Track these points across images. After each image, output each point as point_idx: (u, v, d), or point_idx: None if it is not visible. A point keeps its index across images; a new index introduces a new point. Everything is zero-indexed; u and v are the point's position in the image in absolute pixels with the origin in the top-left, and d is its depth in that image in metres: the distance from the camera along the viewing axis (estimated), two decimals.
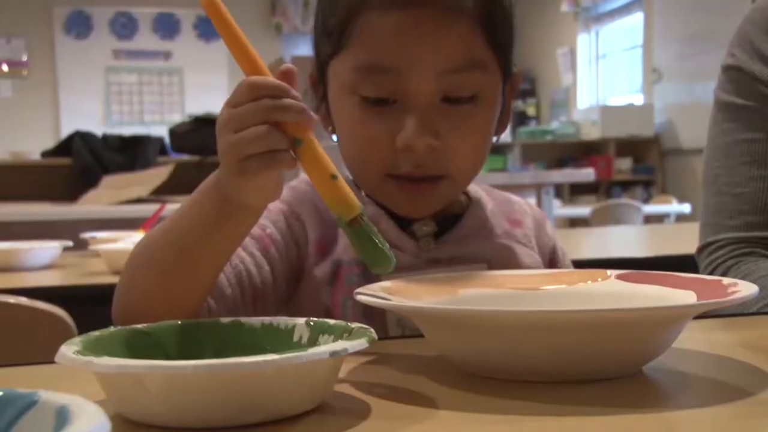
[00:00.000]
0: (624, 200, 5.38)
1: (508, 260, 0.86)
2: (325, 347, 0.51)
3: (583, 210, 4.82)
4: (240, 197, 0.64)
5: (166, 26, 8.02)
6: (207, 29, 8.08)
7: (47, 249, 1.74)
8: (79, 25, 7.79)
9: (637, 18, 7.19)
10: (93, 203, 2.90)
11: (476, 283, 0.73)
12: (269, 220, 0.83)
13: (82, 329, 1.20)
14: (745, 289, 0.57)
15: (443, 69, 0.78)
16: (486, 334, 0.57)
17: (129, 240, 1.72)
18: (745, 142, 1.02)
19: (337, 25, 0.81)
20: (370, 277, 0.80)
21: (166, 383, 0.49)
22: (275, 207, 0.85)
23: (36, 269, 1.69)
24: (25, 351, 1.27)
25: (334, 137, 0.88)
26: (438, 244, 0.85)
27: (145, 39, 7.97)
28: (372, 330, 0.55)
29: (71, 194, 3.17)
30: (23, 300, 1.26)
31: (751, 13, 1.07)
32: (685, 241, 2.27)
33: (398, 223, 0.85)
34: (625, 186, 6.81)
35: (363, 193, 0.87)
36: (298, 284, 0.84)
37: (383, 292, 0.67)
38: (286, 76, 0.63)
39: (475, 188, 0.92)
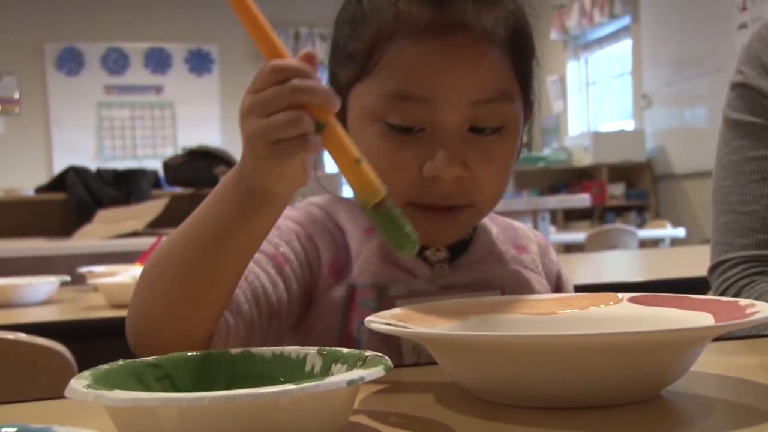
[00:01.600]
0: (619, 225, 5.40)
1: (520, 287, 0.86)
2: (342, 376, 0.50)
3: (578, 236, 4.82)
4: (268, 184, 0.63)
5: (158, 61, 8.06)
6: (198, 63, 8.12)
7: (45, 284, 1.73)
8: (71, 62, 7.82)
9: (625, 45, 7.25)
10: (88, 238, 2.89)
11: (488, 309, 0.72)
12: (282, 239, 0.82)
13: (82, 364, 1.19)
14: (763, 310, 0.57)
15: (475, 99, 0.78)
16: (500, 361, 0.56)
17: (127, 274, 1.71)
18: (755, 159, 1.02)
19: (363, 49, 0.80)
20: (385, 301, 0.80)
21: (181, 416, 0.48)
22: (287, 226, 0.83)
23: (34, 305, 1.68)
24: (24, 387, 1.25)
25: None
26: (452, 270, 0.85)
27: (137, 74, 8.00)
28: (387, 358, 0.54)
29: (66, 229, 3.16)
30: (22, 336, 1.25)
31: (760, 30, 1.07)
32: (685, 264, 2.27)
33: None
34: (619, 211, 6.82)
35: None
36: (309, 307, 0.83)
37: (394, 320, 0.66)
38: (308, 59, 0.61)
39: None
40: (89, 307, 1.65)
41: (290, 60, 0.61)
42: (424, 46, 0.77)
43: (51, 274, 1.85)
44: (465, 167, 0.78)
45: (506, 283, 0.85)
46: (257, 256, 0.79)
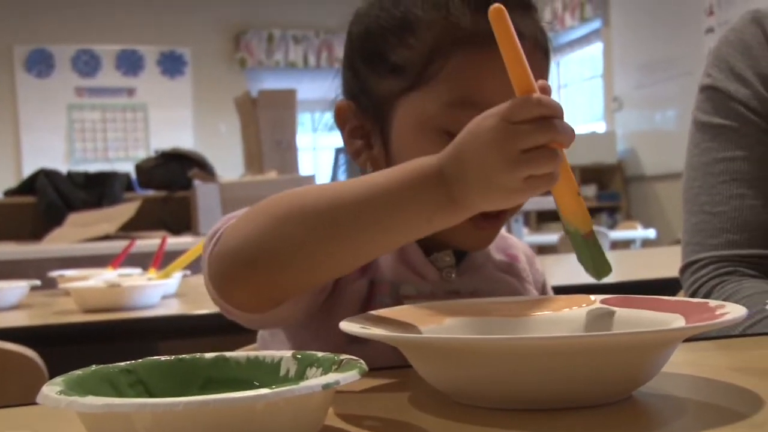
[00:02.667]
0: None
1: (515, 290, 0.88)
2: (317, 380, 0.50)
3: (550, 237, 4.85)
4: (483, 205, 0.64)
5: (130, 63, 8.01)
6: (170, 65, 8.08)
7: (15, 289, 1.71)
8: (41, 64, 7.74)
9: (596, 48, 7.31)
10: (59, 241, 2.86)
11: (462, 311, 0.72)
12: None
13: (53, 370, 1.18)
14: (733, 311, 0.57)
15: None
16: (474, 363, 0.56)
17: (99, 278, 1.69)
18: (724, 160, 1.04)
19: (417, 60, 0.80)
20: (396, 299, 0.82)
21: (156, 422, 0.47)
22: None
23: (3, 309, 1.66)
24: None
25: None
26: (458, 275, 0.86)
27: (108, 76, 7.94)
28: (362, 361, 0.54)
29: (36, 233, 3.13)
30: None
31: (727, 34, 1.09)
32: (656, 265, 2.29)
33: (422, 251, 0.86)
34: (591, 213, 6.86)
35: None
36: (332, 294, 0.83)
37: (368, 323, 0.66)
38: (547, 92, 0.63)
39: None
40: (60, 311, 1.63)
41: (550, 98, 0.63)
42: (487, 54, 0.76)
43: (21, 279, 1.83)
44: None
45: (505, 291, 0.88)
46: None
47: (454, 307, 0.73)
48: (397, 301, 0.82)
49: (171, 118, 7.99)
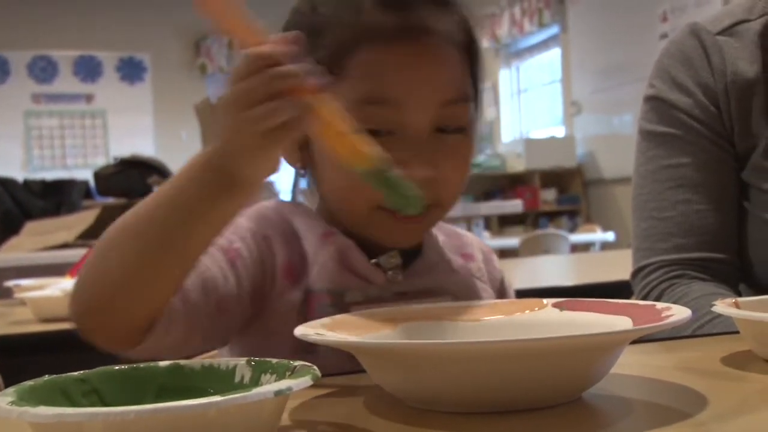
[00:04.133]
0: (551, 230, 5.49)
1: (469, 295, 0.88)
2: (269, 387, 0.50)
3: (512, 241, 4.89)
4: (248, 171, 0.64)
5: (88, 69, 7.92)
6: (130, 71, 8.01)
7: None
8: None
9: (554, 53, 7.39)
10: (15, 250, 2.82)
11: (415, 316, 0.73)
12: (237, 236, 0.82)
13: (9, 380, 1.16)
14: (678, 313, 0.59)
15: (441, 101, 0.80)
16: (427, 367, 0.57)
17: (56, 287, 1.67)
18: (669, 167, 1.06)
19: (326, 58, 0.80)
20: (341, 307, 0.81)
21: (107, 430, 0.48)
22: (242, 225, 0.84)
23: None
24: None
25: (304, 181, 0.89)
26: (405, 277, 0.86)
27: (66, 82, 7.85)
28: (315, 367, 0.55)
29: None
30: None
31: (669, 46, 1.12)
32: (613, 268, 2.33)
33: (366, 254, 0.85)
34: (551, 216, 6.94)
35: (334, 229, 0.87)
36: (263, 307, 0.83)
37: (323, 329, 0.66)
38: (286, 42, 0.62)
39: None
40: (16, 321, 1.61)
41: (265, 47, 0.62)
42: (392, 51, 0.79)
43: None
44: (434, 167, 0.80)
45: (457, 290, 0.87)
46: (210, 248, 0.77)
47: (406, 313, 0.74)
48: (343, 309, 0.81)
49: (131, 125, 7.92)
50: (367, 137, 0.63)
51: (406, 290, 0.86)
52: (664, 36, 5.74)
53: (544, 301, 0.73)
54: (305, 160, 0.87)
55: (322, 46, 0.82)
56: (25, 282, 1.92)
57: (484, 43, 7.87)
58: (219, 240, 0.79)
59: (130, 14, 7.85)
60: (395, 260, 0.86)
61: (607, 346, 0.57)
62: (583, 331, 0.62)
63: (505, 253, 5.12)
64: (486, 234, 4.39)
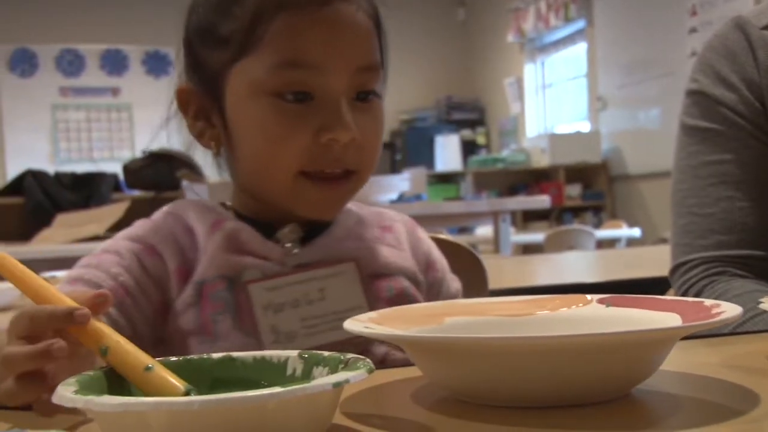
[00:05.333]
0: (577, 226, 5.47)
1: (375, 259, 0.90)
2: (327, 379, 0.51)
3: (536, 236, 4.87)
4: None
5: (114, 62, 7.97)
6: (155, 65, 8.05)
7: (6, 290, 1.71)
8: (24, 63, 7.70)
9: (580, 48, 7.35)
10: (47, 242, 2.85)
11: (460, 311, 0.73)
12: (122, 267, 0.84)
13: None
14: (729, 310, 0.59)
15: (359, 65, 0.84)
16: (478, 362, 0.57)
17: None
18: (711, 163, 1.06)
19: (242, 28, 0.83)
20: (236, 290, 0.83)
21: (171, 421, 0.49)
22: (126, 248, 0.86)
23: None
24: None
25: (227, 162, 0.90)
26: (304, 249, 0.88)
27: (93, 75, 7.90)
28: (369, 360, 0.55)
29: (23, 234, 3.12)
30: None
31: (712, 40, 1.11)
32: (643, 264, 2.32)
33: (263, 233, 0.87)
34: (576, 212, 6.91)
35: (227, 209, 0.89)
36: (167, 322, 0.85)
37: (371, 323, 0.67)
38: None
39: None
40: None
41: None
42: (310, 16, 0.82)
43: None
44: (356, 130, 0.83)
45: (360, 255, 0.89)
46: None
47: (451, 308, 0.74)
48: (238, 290, 0.83)
49: (156, 118, 7.92)
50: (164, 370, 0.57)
51: (306, 262, 0.87)
52: (693, 30, 5.69)
53: (588, 297, 0.73)
54: (219, 140, 0.89)
55: (235, 18, 0.84)
56: (60, 274, 1.94)
57: (509, 37, 7.88)
58: (105, 280, 0.82)
59: (156, 8, 7.88)
60: (294, 234, 0.88)
61: (658, 341, 0.57)
62: (633, 327, 0.62)
63: (529, 249, 5.11)
64: (512, 230, 4.38)
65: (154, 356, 0.58)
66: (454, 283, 1.00)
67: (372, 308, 0.83)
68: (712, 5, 5.55)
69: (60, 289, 0.67)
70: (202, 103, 0.89)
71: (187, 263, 0.86)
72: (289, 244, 0.88)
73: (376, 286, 0.89)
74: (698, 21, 5.67)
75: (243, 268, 0.85)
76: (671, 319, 0.62)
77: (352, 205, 0.95)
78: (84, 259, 0.87)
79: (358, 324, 0.65)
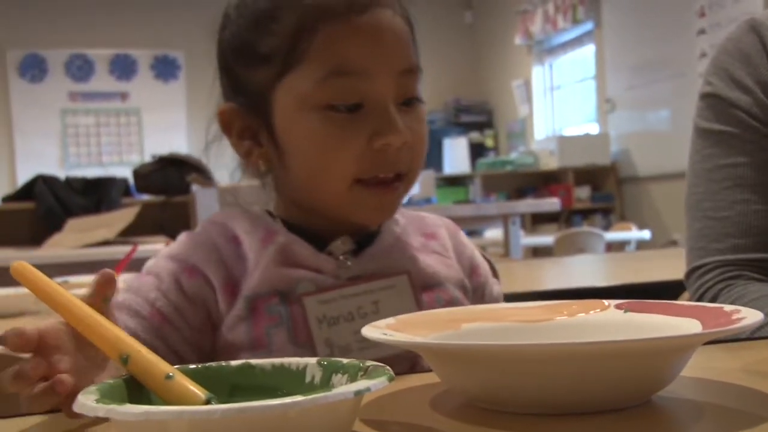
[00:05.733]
0: (586, 228, 5.46)
1: (426, 269, 0.90)
2: (348, 387, 0.51)
3: (546, 239, 4.87)
4: None
5: (123, 67, 7.99)
6: (164, 69, 8.07)
7: (20, 297, 1.71)
8: (34, 68, 7.73)
9: (588, 50, 7.34)
10: (58, 247, 2.86)
11: (477, 317, 0.73)
12: (159, 291, 0.84)
13: None
14: (750, 315, 0.59)
15: (402, 69, 0.84)
16: (497, 368, 0.57)
17: None
18: (726, 167, 1.05)
19: (283, 45, 0.83)
20: (290, 304, 0.83)
21: (193, 429, 0.49)
22: (165, 270, 0.86)
23: (10, 316, 1.66)
24: (10, 403, 1.24)
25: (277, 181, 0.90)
26: (356, 261, 0.88)
27: (102, 80, 7.93)
28: (389, 368, 0.55)
29: (35, 239, 3.13)
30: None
31: (725, 43, 1.11)
32: (654, 268, 2.31)
33: (314, 245, 0.87)
34: (585, 214, 6.90)
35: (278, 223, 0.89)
36: (218, 335, 0.85)
37: (389, 329, 0.67)
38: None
39: None
40: None
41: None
42: (350, 24, 0.82)
43: (19, 286, 1.82)
44: (408, 133, 0.83)
45: (412, 267, 0.89)
46: (133, 323, 0.81)
47: (467, 314, 0.74)
48: (292, 303, 0.83)
49: (165, 122, 7.98)
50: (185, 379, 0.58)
51: (359, 274, 0.87)
52: (701, 32, 5.68)
53: (606, 302, 0.73)
54: (267, 158, 0.89)
55: (275, 34, 0.84)
56: (73, 279, 1.94)
57: (517, 40, 7.88)
58: (142, 305, 0.83)
59: (164, 13, 7.91)
60: (346, 246, 0.88)
61: (680, 348, 0.57)
62: (652, 333, 0.62)
63: (538, 252, 5.11)
64: (521, 232, 4.38)
65: None
66: (496, 286, 1.00)
67: None
68: (720, 6, 5.54)
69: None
70: (247, 123, 0.89)
71: (233, 278, 0.85)
72: (342, 257, 0.87)
73: (427, 296, 0.89)
74: (707, 22, 5.66)
75: (297, 282, 0.85)
76: (691, 325, 0.62)
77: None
78: (130, 280, 0.88)
79: (376, 330, 0.65)
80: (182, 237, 0.90)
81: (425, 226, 0.96)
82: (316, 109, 0.82)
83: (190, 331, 0.84)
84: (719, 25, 5.47)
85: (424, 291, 0.89)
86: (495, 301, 0.98)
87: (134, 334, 0.77)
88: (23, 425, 0.63)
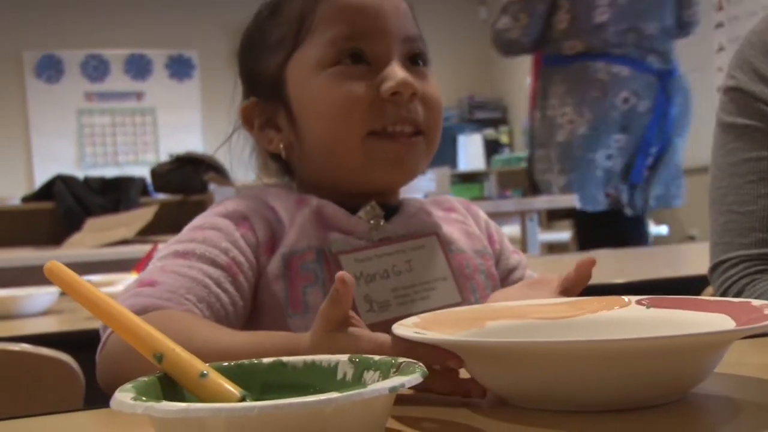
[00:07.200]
0: None
1: (451, 235, 0.93)
2: (383, 383, 0.51)
3: (562, 235, 4.85)
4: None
5: (138, 67, 8.02)
6: (179, 69, 8.10)
7: (46, 295, 1.73)
8: (50, 69, 7.76)
9: None
10: (78, 247, 2.88)
11: (501, 315, 0.73)
12: (228, 241, 0.86)
13: (88, 374, 1.19)
14: None
15: (406, 34, 0.88)
16: (529, 366, 0.57)
17: (126, 282, 1.71)
18: (750, 160, 1.05)
19: (293, 24, 0.88)
20: (326, 260, 0.85)
21: (230, 426, 0.49)
22: (224, 224, 0.87)
23: (34, 315, 1.67)
24: (30, 400, 1.25)
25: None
26: (387, 224, 0.90)
27: (117, 80, 7.96)
28: (422, 364, 0.55)
29: (54, 239, 3.15)
30: (27, 347, 1.24)
31: (749, 36, 1.10)
32: (675, 263, 2.30)
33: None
34: None
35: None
36: (257, 291, 0.87)
37: (415, 327, 0.67)
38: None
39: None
40: (91, 316, 1.64)
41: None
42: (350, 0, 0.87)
43: (43, 285, 1.84)
44: (416, 83, 0.86)
45: (438, 228, 0.92)
46: (213, 271, 0.83)
47: (491, 311, 0.74)
48: (328, 261, 0.85)
49: (180, 122, 8.00)
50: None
51: (390, 234, 0.89)
52: (719, 25, 5.64)
53: (626, 298, 0.72)
54: (287, 141, 0.92)
55: (283, 20, 0.89)
56: (95, 278, 1.96)
57: None
58: (218, 255, 0.84)
59: (179, 12, 7.94)
60: (376, 211, 0.90)
61: (717, 344, 0.57)
62: (682, 329, 0.61)
63: (554, 248, 5.09)
64: (537, 229, 4.37)
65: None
66: (515, 255, 1.02)
67: (456, 280, 0.88)
68: (738, 0, 5.50)
69: (171, 262, 0.81)
70: (267, 114, 0.93)
71: (274, 235, 0.87)
72: (374, 219, 0.90)
73: (456, 259, 0.92)
74: (725, 16, 5.62)
75: (331, 242, 0.87)
76: (723, 321, 0.61)
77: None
78: (185, 234, 0.88)
79: (407, 329, 0.64)
80: (226, 201, 0.92)
81: (443, 201, 1.00)
82: (324, 69, 0.86)
83: (249, 283, 0.86)
84: (737, 19, 5.43)
85: (452, 254, 0.92)
86: (512, 269, 1.00)
87: (217, 283, 0.81)
88: (46, 424, 0.64)
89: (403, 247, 0.89)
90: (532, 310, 0.74)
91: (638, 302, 0.71)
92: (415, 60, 0.89)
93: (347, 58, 0.86)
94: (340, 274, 0.63)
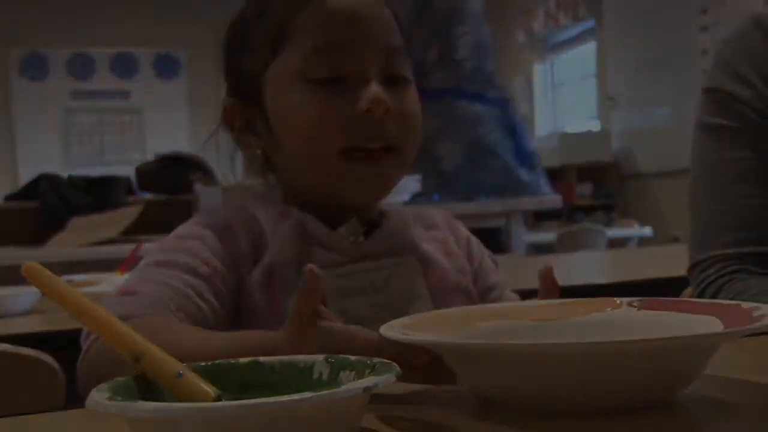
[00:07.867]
0: (588, 225, 5.45)
1: (431, 250, 0.93)
2: (357, 383, 0.51)
3: (548, 236, 4.87)
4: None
5: (125, 66, 8.00)
6: (165, 68, 8.08)
7: (28, 294, 1.71)
8: (35, 67, 7.73)
9: (590, 47, 7.33)
10: (63, 246, 2.87)
11: (492, 316, 0.72)
12: (210, 251, 0.86)
13: (69, 374, 1.18)
14: None
15: (387, 45, 0.87)
16: (516, 368, 0.56)
17: (110, 282, 1.70)
18: (729, 161, 1.05)
19: (272, 30, 0.88)
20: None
21: (205, 425, 0.49)
22: (205, 234, 0.87)
23: (16, 315, 1.66)
24: (11, 399, 1.24)
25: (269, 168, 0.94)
26: (367, 241, 0.90)
27: (104, 79, 7.93)
28: (396, 364, 0.55)
29: (38, 238, 3.12)
30: (8, 347, 1.23)
31: (729, 38, 1.11)
32: (656, 264, 2.31)
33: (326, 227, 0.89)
34: (587, 211, 6.89)
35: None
36: (239, 299, 0.87)
37: (405, 329, 0.66)
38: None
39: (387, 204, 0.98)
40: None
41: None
42: (329, 6, 0.87)
43: (24, 284, 1.83)
44: (390, 101, 0.85)
45: (417, 248, 0.92)
46: (195, 281, 0.83)
47: (482, 312, 0.73)
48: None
49: (166, 121, 7.98)
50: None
51: (368, 252, 0.89)
52: (703, 28, 5.67)
53: (617, 300, 0.71)
54: (262, 146, 0.92)
55: (263, 24, 0.89)
56: (78, 277, 1.95)
57: (519, 37, 7.86)
58: (198, 265, 0.84)
59: (166, 11, 7.91)
60: (356, 228, 0.90)
61: (707, 346, 0.56)
62: (674, 331, 0.60)
63: (540, 248, 5.10)
64: (523, 229, 4.38)
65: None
66: (495, 274, 1.01)
67: (433, 298, 0.90)
68: (722, 4, 5.53)
69: (154, 271, 0.81)
70: (246, 116, 0.92)
71: (257, 247, 0.87)
72: (351, 238, 0.90)
73: (435, 277, 0.92)
74: (709, 19, 5.66)
75: (312, 256, 0.87)
76: (713, 323, 0.61)
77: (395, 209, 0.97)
78: (168, 243, 0.88)
79: (394, 330, 0.64)
80: (206, 212, 0.92)
81: (424, 218, 0.99)
82: (301, 84, 0.86)
83: (229, 293, 0.86)
84: (721, 23, 5.46)
85: (431, 271, 0.92)
86: (489, 272, 1.00)
87: (198, 293, 0.81)
88: (27, 425, 0.63)
89: (382, 265, 0.89)
90: (524, 312, 0.73)
91: (629, 304, 0.70)
92: (394, 78, 0.88)
93: (325, 72, 0.86)
94: (309, 266, 0.63)
